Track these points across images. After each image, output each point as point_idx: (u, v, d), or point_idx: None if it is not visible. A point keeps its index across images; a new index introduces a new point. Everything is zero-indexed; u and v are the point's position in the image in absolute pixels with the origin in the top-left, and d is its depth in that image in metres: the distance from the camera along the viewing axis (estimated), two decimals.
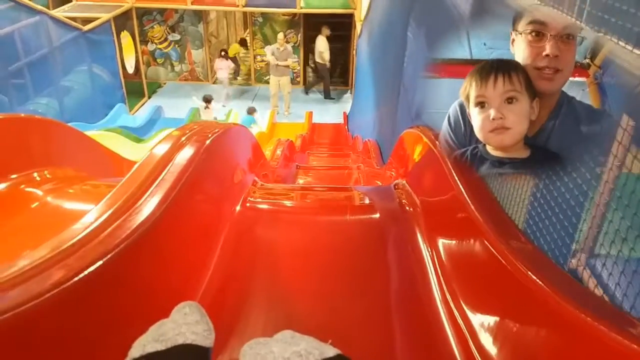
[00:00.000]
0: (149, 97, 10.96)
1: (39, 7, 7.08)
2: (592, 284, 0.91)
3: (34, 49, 7.00)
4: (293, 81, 10.93)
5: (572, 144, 1.16)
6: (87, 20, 8.84)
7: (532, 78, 1.16)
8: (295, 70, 11.60)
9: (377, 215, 1.77)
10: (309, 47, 12.27)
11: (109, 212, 1.17)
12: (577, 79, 1.18)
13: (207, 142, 1.68)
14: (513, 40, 1.20)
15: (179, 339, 0.48)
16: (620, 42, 0.87)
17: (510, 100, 1.15)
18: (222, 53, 10.84)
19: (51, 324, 0.84)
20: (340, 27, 11.62)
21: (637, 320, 0.73)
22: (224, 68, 10.63)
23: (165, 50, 11.69)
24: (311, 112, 9.18)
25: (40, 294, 0.81)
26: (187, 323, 0.52)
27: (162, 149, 1.56)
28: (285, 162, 3.63)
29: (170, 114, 9.59)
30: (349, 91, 10.38)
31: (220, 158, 1.78)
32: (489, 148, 1.28)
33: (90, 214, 1.18)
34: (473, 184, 1.36)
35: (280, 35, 9.98)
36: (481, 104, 1.19)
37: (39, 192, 2.05)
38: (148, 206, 1.25)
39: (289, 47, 10.22)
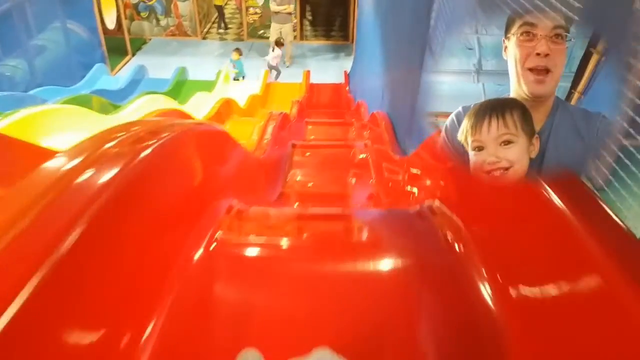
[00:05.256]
0: (133, 55, 10.13)
1: None
2: None
3: None
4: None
5: (570, 145, 1.17)
6: None
7: (524, 81, 1.18)
8: (293, 24, 10.73)
9: (408, 264, 1.17)
10: None
11: None
12: None
13: (141, 156, 1.06)
14: (505, 47, 1.22)
15: None
16: None
17: (506, 143, 1.15)
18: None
19: None
20: None
21: None
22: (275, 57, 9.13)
23: (150, 3, 10.76)
24: (308, 71, 8.42)
25: None
26: None
27: (55, 168, 0.95)
28: (277, 143, 3.00)
29: (156, 74, 8.83)
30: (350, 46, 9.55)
31: (166, 180, 1.17)
32: None
33: None
34: (581, 200, 0.90)
35: None
36: (478, 148, 1.18)
37: None
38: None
39: None
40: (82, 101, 5.02)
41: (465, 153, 1.25)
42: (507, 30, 1.20)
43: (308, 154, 3.28)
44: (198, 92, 7.05)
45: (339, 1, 11.28)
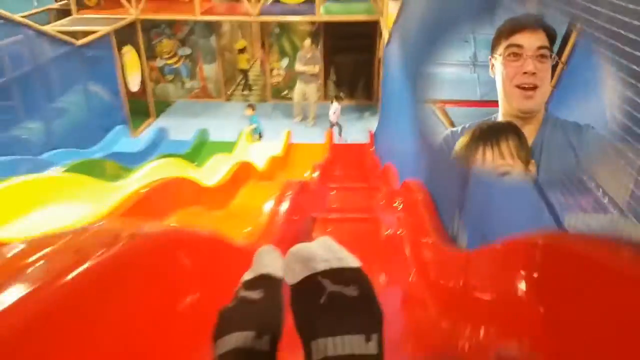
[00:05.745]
0: (157, 117, 10.08)
1: (21, 19, 6.23)
2: None
3: (16, 67, 6.15)
4: None
5: (563, 158, 1.18)
6: (87, 35, 8.03)
7: (514, 98, 1.18)
8: (317, 83, 10.62)
9: None
10: (330, 59, 11.31)
11: None
12: None
13: (66, 278, 0.64)
14: (492, 66, 1.23)
15: (262, 270, 0.62)
16: None
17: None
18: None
19: None
20: (363, 36, 10.63)
21: None
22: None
23: (175, 66, 10.84)
24: (332, 131, 8.12)
25: None
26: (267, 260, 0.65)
27: None
28: (293, 219, 2.56)
29: (178, 136, 8.69)
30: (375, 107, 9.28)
31: (102, 320, 0.73)
32: None
33: None
34: None
35: (307, 42, 9.11)
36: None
37: None
38: None
39: (317, 53, 9.35)
40: (92, 166, 4.75)
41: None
42: (494, 50, 1.21)
43: (330, 229, 2.82)
44: (217, 153, 6.78)
45: (363, 62, 11.18)
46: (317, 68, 9.08)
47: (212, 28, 10.51)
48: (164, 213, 2.92)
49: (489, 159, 1.13)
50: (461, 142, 1.20)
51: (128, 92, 8.99)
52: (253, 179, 4.81)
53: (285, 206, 2.32)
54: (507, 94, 1.20)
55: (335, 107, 8.68)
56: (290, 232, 2.43)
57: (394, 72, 5.32)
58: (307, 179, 3.56)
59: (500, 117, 1.25)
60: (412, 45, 3.60)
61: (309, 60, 9.01)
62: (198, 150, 7.68)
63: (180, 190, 3.17)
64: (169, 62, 10.76)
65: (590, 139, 1.11)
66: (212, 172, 5.12)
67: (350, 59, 11.53)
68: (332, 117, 8.76)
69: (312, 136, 9.03)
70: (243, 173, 4.53)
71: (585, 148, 1.13)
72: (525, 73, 1.15)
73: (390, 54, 6.19)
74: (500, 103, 1.23)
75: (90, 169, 4.64)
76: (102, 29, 8.17)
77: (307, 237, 2.72)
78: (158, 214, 2.85)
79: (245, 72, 11.51)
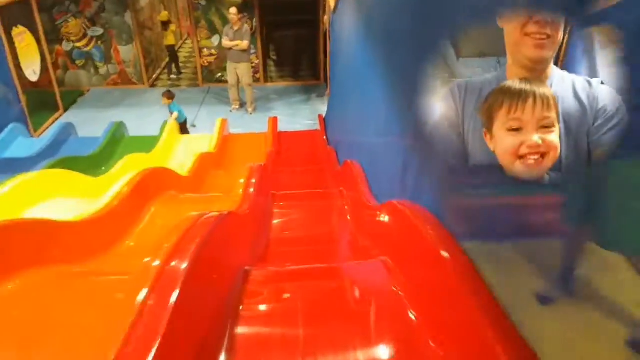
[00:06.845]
0: (66, 110, 8.51)
1: None
2: None
3: None
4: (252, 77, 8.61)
5: (572, 112, 1.11)
6: None
7: (525, 46, 1.14)
8: (254, 65, 9.35)
9: None
10: (269, 36, 10.07)
11: None
12: None
13: None
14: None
15: None
16: None
17: (547, 126, 1.08)
18: None
19: None
20: (304, 8, 9.45)
21: None
22: None
23: (86, 49, 9.23)
24: (275, 119, 6.95)
25: None
26: None
27: None
28: (211, 282, 1.43)
29: (91, 131, 7.22)
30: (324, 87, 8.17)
31: None
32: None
33: None
34: None
35: (233, 10, 7.67)
36: (515, 128, 1.11)
37: None
38: None
39: (247, 27, 7.98)
40: None
41: (460, 135, 1.22)
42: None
43: (273, 297, 1.73)
44: (132, 154, 5.45)
45: (306, 37, 10.02)
46: (246, 43, 7.74)
47: (126, 3, 8.97)
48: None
49: (539, 108, 1.05)
50: (500, 88, 1.12)
51: (26, 82, 7.41)
52: (172, 190, 3.62)
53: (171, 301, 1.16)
54: (517, 44, 1.14)
55: None
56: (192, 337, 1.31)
57: (347, 46, 4.22)
58: (233, 210, 2.42)
59: (507, 70, 1.17)
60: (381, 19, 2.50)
61: (236, 33, 7.69)
62: (112, 149, 6.31)
63: (32, 236, 1.98)
64: (78, 45, 9.14)
65: (600, 95, 1.05)
66: (117, 182, 3.87)
67: (291, 35, 10.33)
68: None
69: (254, 124, 7.83)
70: (153, 184, 3.32)
71: (594, 103, 1.07)
72: (535, 24, 1.10)
73: (340, 25, 5.07)
74: (508, 53, 1.17)
75: None
76: None
77: (232, 308, 1.61)
78: None
79: (173, 49, 10.04)
